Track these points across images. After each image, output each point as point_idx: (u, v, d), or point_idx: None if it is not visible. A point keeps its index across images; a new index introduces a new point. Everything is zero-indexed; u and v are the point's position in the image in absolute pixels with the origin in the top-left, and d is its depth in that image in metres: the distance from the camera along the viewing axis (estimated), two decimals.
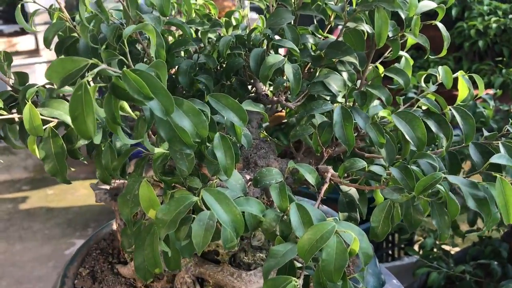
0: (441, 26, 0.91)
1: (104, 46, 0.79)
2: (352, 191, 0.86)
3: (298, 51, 0.83)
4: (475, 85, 0.93)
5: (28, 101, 0.63)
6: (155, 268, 0.67)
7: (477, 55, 2.41)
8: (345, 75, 0.91)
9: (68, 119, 0.64)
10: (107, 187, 1.00)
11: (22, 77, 0.90)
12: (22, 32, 5.05)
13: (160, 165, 0.70)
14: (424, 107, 0.88)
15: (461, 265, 1.73)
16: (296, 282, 0.58)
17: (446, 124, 0.81)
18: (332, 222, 0.59)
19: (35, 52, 5.10)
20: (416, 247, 2.06)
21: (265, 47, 0.88)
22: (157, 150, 0.69)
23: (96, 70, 0.49)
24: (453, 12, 2.40)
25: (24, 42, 5.16)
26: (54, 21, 0.87)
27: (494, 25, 2.27)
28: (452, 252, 1.95)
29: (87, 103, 0.49)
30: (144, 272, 0.69)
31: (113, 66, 0.73)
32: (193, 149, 0.61)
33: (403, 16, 0.86)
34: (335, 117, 0.78)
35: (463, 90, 0.91)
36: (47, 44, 0.86)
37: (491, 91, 2.30)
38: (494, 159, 0.69)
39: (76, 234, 2.47)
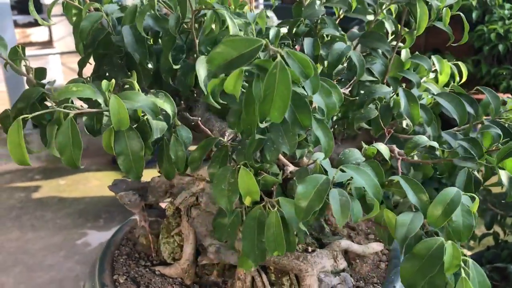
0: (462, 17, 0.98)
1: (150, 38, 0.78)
2: None
3: (345, 36, 0.86)
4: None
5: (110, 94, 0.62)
6: (274, 250, 0.67)
7: (495, 59, 2.40)
8: (379, 62, 0.95)
9: (149, 111, 0.64)
10: (125, 183, 0.99)
11: (40, 72, 0.89)
12: (37, 23, 5.05)
13: (253, 152, 0.70)
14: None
15: None
16: None
17: (475, 103, 0.92)
18: (453, 189, 0.63)
19: (48, 43, 5.12)
20: None
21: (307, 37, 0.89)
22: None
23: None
24: (474, 15, 2.39)
25: (38, 33, 5.19)
26: (84, 12, 0.85)
27: None
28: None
29: (283, 80, 0.49)
30: (255, 257, 0.70)
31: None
32: (304, 131, 0.62)
33: (434, 7, 0.93)
34: (402, 98, 0.84)
35: (444, 76, 1.03)
36: (84, 36, 0.84)
37: (510, 96, 2.29)
38: None
39: (87, 225, 2.47)
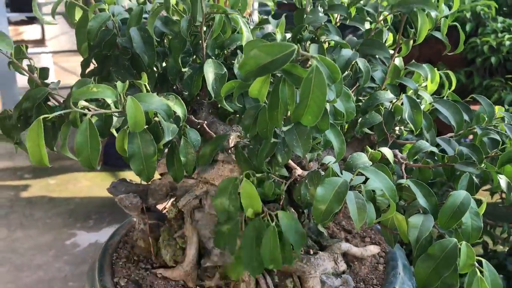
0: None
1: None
2: None
3: (347, 44, 0.88)
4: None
5: (125, 97, 0.61)
6: (270, 264, 0.67)
7: (487, 71, 2.43)
8: (380, 69, 0.97)
9: (163, 113, 0.64)
10: (126, 184, 0.98)
11: (44, 72, 0.89)
12: (29, 21, 5.03)
13: (265, 156, 0.71)
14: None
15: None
16: None
17: (470, 111, 0.95)
18: (462, 192, 0.67)
19: (40, 42, 5.08)
20: None
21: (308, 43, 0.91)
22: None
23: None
24: (467, 27, 2.42)
25: (31, 31, 5.14)
26: (91, 13, 0.84)
27: (507, 42, 2.30)
28: None
29: (319, 85, 0.50)
30: (253, 268, 0.70)
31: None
32: (321, 134, 0.63)
33: (433, 16, 0.97)
34: (405, 105, 0.87)
35: (434, 85, 1.07)
36: (92, 37, 0.83)
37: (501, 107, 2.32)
38: None
39: (77, 225, 2.45)
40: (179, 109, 0.70)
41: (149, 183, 0.99)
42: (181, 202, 0.92)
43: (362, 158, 0.75)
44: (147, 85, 0.72)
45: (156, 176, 0.97)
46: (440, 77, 1.08)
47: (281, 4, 2.93)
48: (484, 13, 2.41)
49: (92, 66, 0.94)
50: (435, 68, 1.10)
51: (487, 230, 1.96)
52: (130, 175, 2.75)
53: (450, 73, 1.11)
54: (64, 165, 2.95)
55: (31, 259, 2.16)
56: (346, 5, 0.98)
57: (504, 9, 2.55)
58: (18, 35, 4.67)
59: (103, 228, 2.41)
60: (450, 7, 1.04)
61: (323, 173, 0.68)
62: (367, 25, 1.02)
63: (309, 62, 0.51)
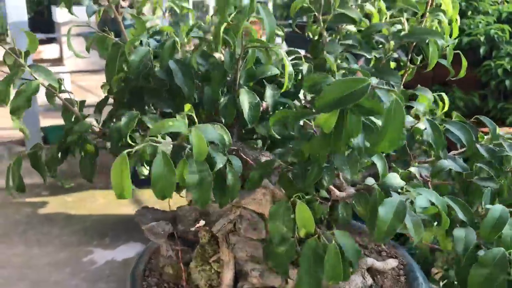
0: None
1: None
2: None
3: (367, 72, 0.93)
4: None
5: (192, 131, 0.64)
6: (331, 280, 0.71)
7: (502, 94, 2.46)
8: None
9: (218, 142, 0.66)
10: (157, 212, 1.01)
11: (82, 105, 0.92)
12: (48, 40, 5.12)
13: (313, 179, 0.74)
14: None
15: None
16: None
17: (476, 130, 1.00)
18: (499, 206, 0.74)
19: (58, 61, 5.16)
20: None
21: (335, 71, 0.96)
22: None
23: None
24: (481, 50, 2.45)
25: (49, 51, 5.23)
26: (128, 47, 0.87)
27: None
28: None
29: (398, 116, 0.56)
30: (310, 286, 0.73)
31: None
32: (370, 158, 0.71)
33: (440, 45, 1.03)
34: (428, 129, 0.93)
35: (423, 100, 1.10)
36: (133, 71, 0.86)
37: None
38: None
39: (93, 243, 2.47)
40: (226, 137, 0.73)
41: (176, 209, 1.02)
42: (216, 227, 0.94)
43: (396, 179, 0.79)
44: (194, 116, 0.75)
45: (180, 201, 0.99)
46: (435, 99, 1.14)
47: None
48: (498, 36, 2.44)
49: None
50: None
51: None
52: (146, 193, 2.78)
53: (443, 94, 1.17)
54: (81, 183, 2.96)
55: (48, 275, 2.19)
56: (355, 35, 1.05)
57: None
58: (37, 54, 4.76)
59: (120, 246, 2.43)
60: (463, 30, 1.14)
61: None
62: (372, 54, 1.08)
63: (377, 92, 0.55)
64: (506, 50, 2.42)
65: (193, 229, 1.00)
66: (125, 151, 0.65)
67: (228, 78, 0.87)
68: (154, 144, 0.68)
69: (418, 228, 0.66)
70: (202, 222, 0.97)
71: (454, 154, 1.02)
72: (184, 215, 1.00)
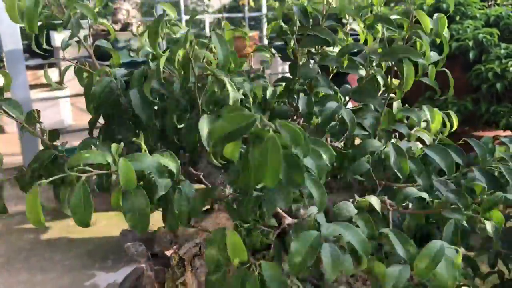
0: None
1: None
2: None
3: (334, 94, 0.93)
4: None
5: (117, 156, 0.67)
6: None
7: (494, 97, 2.44)
8: (370, 116, 1.00)
9: (154, 170, 0.69)
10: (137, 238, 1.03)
11: (53, 135, 0.95)
12: (47, 65, 5.21)
13: (250, 208, 0.75)
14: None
15: None
16: None
17: (462, 154, 0.97)
18: (438, 242, 0.69)
19: (59, 85, 5.24)
20: None
21: (300, 94, 0.97)
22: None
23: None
24: (471, 55, 2.45)
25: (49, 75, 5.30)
26: (95, 77, 0.91)
27: (511, 68, 2.32)
28: None
29: (274, 152, 0.56)
30: None
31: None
32: (298, 188, 0.67)
33: (420, 64, 1.00)
34: (391, 153, 0.90)
35: (436, 124, 1.10)
36: (95, 100, 0.91)
37: (509, 133, 2.32)
38: None
39: (95, 266, 2.50)
40: (173, 165, 0.75)
41: (155, 231, 1.03)
42: (182, 250, 0.96)
43: (348, 207, 0.78)
44: (142, 144, 0.77)
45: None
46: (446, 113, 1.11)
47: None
48: (487, 40, 2.44)
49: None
50: (436, 108, 1.13)
51: (502, 259, 1.93)
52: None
53: (451, 113, 1.15)
54: None
55: None
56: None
57: (507, 34, 2.57)
58: (37, 79, 4.83)
59: (121, 267, 2.45)
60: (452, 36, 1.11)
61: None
62: (362, 72, 1.05)
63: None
64: (496, 53, 2.42)
65: (168, 252, 1.02)
66: (38, 182, 0.68)
67: (184, 105, 0.89)
68: (77, 174, 0.70)
69: (335, 265, 0.65)
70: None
71: (448, 179, 0.97)
72: (160, 237, 1.02)
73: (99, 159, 0.69)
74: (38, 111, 1.02)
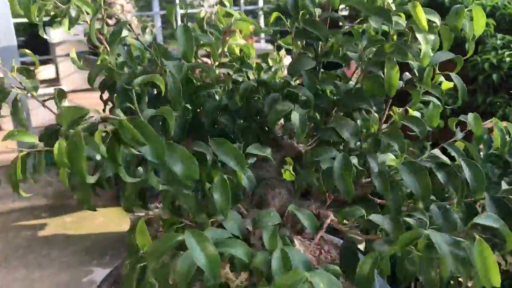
0: (457, 79, 1.00)
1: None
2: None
3: (313, 98, 0.86)
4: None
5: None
6: None
7: (491, 88, 2.44)
8: (359, 121, 0.94)
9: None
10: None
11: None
12: (44, 61, 5.20)
13: (169, 203, 0.74)
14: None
15: None
16: None
17: (456, 177, 0.79)
18: (305, 272, 0.59)
19: (55, 81, 5.23)
20: None
21: (277, 93, 0.93)
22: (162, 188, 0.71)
23: (97, 117, 0.57)
24: (467, 46, 2.44)
25: (45, 71, 5.30)
26: (99, 62, 0.92)
27: (507, 59, 2.31)
28: None
29: (79, 148, 0.57)
30: None
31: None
32: (190, 189, 0.65)
33: (414, 67, 0.90)
34: (336, 165, 0.77)
35: (497, 138, 0.98)
36: (91, 82, 0.92)
37: (505, 124, 2.32)
38: (479, 220, 0.68)
39: (93, 262, 2.49)
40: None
41: None
42: None
43: (268, 216, 0.75)
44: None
45: None
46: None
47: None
48: (483, 31, 2.43)
49: None
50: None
51: (498, 250, 1.93)
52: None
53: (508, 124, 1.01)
54: None
55: None
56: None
57: (503, 24, 2.57)
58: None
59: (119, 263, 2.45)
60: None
61: None
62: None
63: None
64: (492, 44, 2.41)
65: None
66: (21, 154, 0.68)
67: None
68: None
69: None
70: None
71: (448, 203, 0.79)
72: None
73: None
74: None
